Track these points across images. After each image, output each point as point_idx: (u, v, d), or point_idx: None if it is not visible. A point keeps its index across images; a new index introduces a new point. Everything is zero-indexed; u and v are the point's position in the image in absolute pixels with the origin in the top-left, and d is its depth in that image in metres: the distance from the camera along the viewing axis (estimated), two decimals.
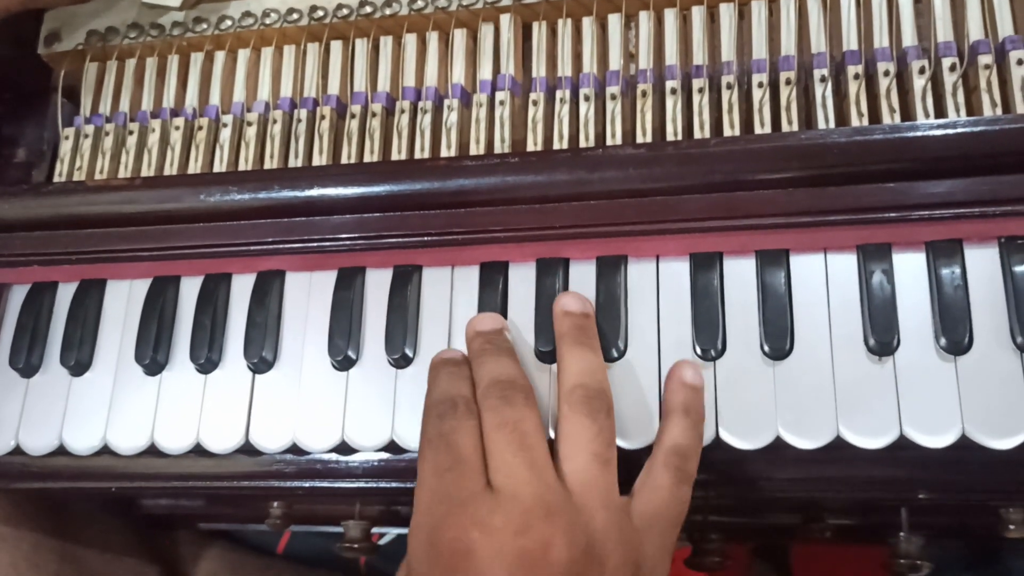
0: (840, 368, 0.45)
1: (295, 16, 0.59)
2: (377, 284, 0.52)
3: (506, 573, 0.39)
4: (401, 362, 0.50)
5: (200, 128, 0.58)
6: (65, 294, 0.57)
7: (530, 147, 0.53)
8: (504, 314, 0.50)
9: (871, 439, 0.44)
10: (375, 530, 0.71)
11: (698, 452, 0.44)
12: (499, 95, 0.55)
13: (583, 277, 0.50)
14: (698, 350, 0.47)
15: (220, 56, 0.60)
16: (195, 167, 0.58)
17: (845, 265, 0.47)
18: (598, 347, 0.47)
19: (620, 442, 0.46)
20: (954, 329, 0.44)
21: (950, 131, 0.45)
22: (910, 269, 0.46)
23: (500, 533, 0.39)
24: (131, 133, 0.59)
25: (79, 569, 0.69)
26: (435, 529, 0.41)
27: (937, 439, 0.43)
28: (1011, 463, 0.43)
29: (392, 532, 0.74)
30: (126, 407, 0.53)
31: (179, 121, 0.59)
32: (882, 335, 0.45)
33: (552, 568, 0.39)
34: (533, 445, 0.42)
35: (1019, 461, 0.43)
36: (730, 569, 0.58)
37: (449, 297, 0.51)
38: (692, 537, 0.56)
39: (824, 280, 0.47)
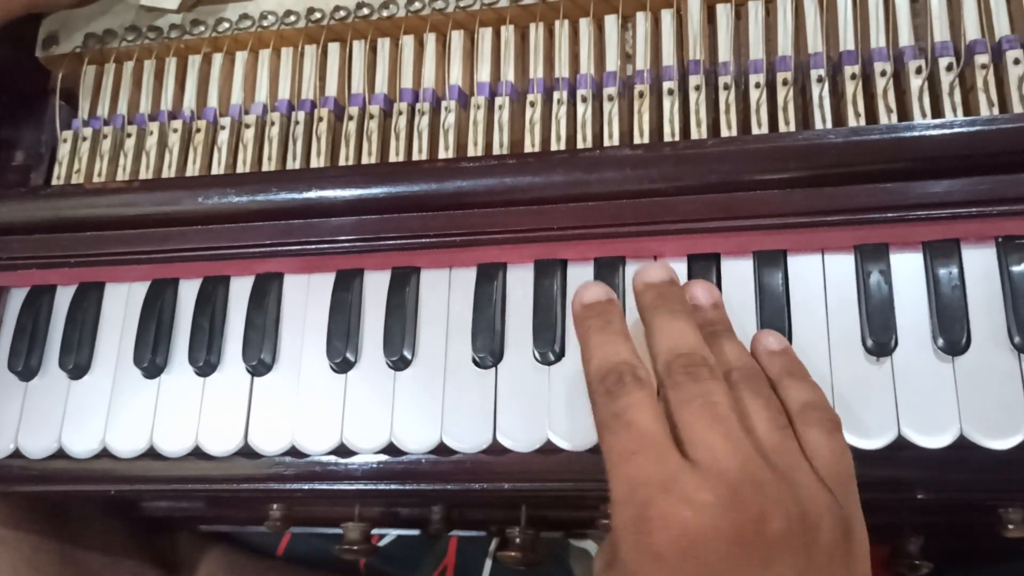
0: (838, 369, 0.45)
1: (292, 18, 0.59)
2: (375, 286, 0.52)
3: (725, 550, 0.36)
4: (399, 364, 0.50)
5: (198, 130, 0.58)
6: (64, 297, 0.57)
7: (528, 148, 0.54)
8: (502, 316, 0.50)
9: (869, 439, 0.44)
10: (375, 531, 0.71)
11: (824, 398, 0.43)
12: (498, 98, 0.55)
13: (581, 278, 0.50)
14: None
15: (218, 58, 0.60)
16: (193, 169, 0.58)
17: (843, 265, 0.47)
18: (687, 313, 0.44)
19: None
20: (951, 329, 0.44)
21: (947, 131, 0.45)
22: (907, 269, 0.46)
23: (712, 509, 0.37)
24: (129, 136, 0.59)
25: (79, 571, 0.69)
26: (641, 517, 0.38)
27: (935, 439, 0.43)
28: (1009, 463, 0.43)
29: (392, 533, 0.75)
30: (125, 410, 0.53)
31: (177, 123, 0.59)
32: (880, 335, 0.45)
33: (771, 541, 0.37)
34: (725, 416, 0.40)
35: (1017, 461, 0.43)
36: None
37: (447, 299, 0.51)
38: None
39: (822, 280, 0.47)
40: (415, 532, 0.73)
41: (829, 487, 0.39)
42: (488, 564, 0.73)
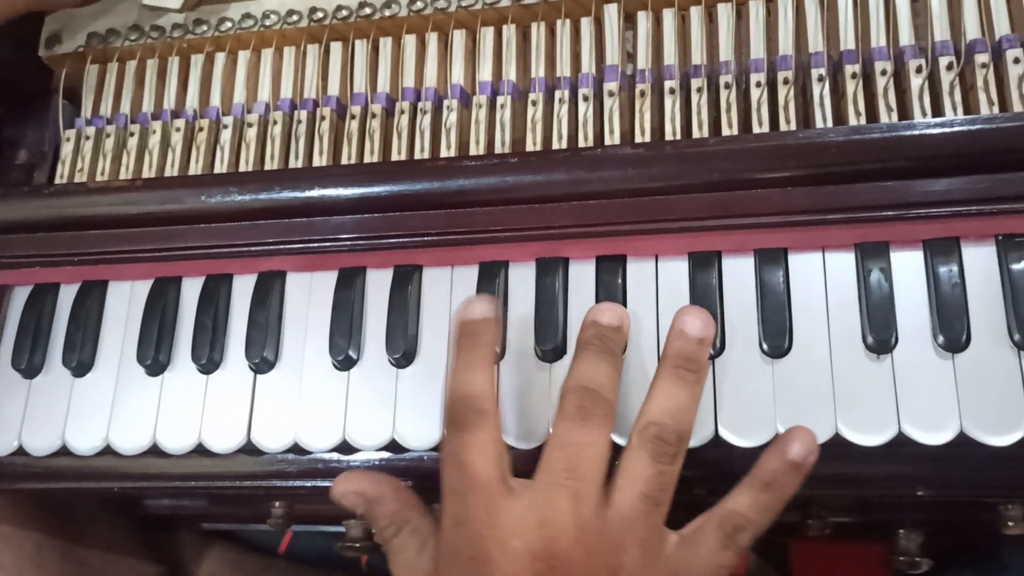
0: (838, 366, 0.46)
1: (295, 18, 0.59)
2: (377, 284, 0.53)
3: None
4: (402, 361, 0.51)
5: (201, 129, 0.59)
6: (67, 295, 0.57)
7: (529, 147, 0.54)
8: (504, 314, 0.50)
9: (870, 436, 0.44)
10: None
11: (761, 530, 0.43)
12: (499, 97, 0.55)
13: (583, 276, 0.50)
14: None
15: (220, 57, 0.61)
16: (196, 168, 0.58)
17: (843, 263, 0.47)
18: (698, 385, 0.44)
19: (616, 437, 0.46)
20: (952, 327, 0.45)
21: (947, 130, 0.45)
22: (908, 267, 0.47)
23: (519, 555, 0.40)
24: (132, 135, 0.60)
25: (82, 569, 0.69)
26: (458, 552, 0.42)
27: (935, 436, 0.43)
28: (1009, 459, 0.43)
29: None
30: (128, 407, 0.53)
31: (180, 122, 0.59)
32: (880, 333, 0.45)
33: None
34: (585, 475, 0.42)
35: (1017, 457, 0.43)
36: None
37: (449, 297, 0.51)
38: None
39: (822, 278, 0.47)
40: None
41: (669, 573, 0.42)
42: None
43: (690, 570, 0.42)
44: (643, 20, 0.55)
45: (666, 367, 0.45)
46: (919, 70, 0.50)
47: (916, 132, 0.46)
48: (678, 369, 0.44)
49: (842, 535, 0.60)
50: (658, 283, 0.49)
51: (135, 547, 0.74)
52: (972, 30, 0.50)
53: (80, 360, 0.55)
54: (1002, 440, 0.43)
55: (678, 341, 0.45)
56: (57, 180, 0.60)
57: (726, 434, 0.46)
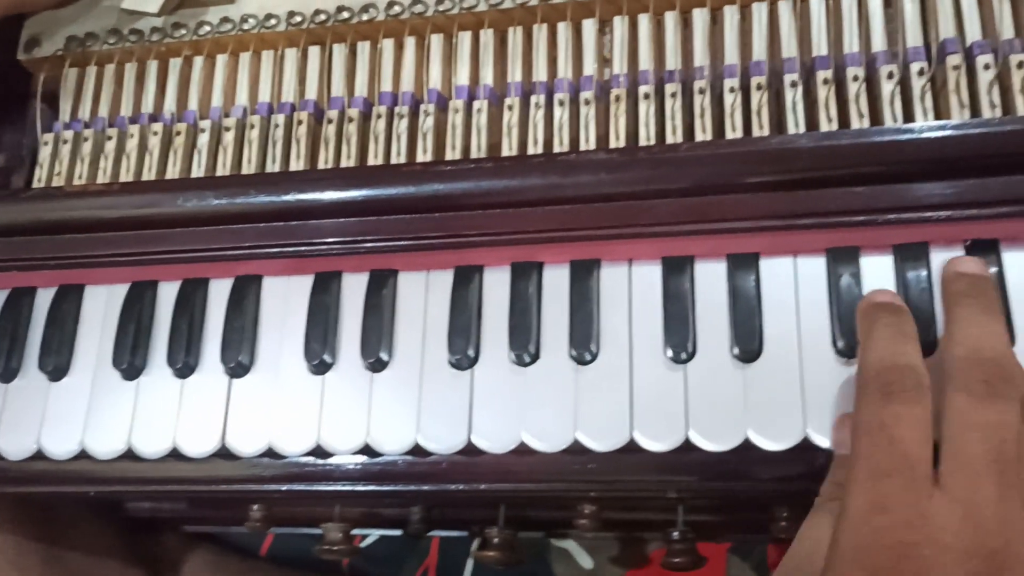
0: (808, 370, 0.46)
1: (272, 22, 0.59)
2: (353, 288, 0.53)
3: None
4: (376, 366, 0.51)
5: (178, 133, 0.59)
6: (43, 299, 0.57)
7: (505, 152, 0.54)
8: (478, 318, 0.51)
9: None
10: (358, 531, 0.72)
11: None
12: (476, 102, 0.55)
13: (557, 280, 0.51)
14: (669, 352, 0.48)
15: (199, 61, 0.61)
16: (173, 172, 0.58)
17: (814, 268, 0.48)
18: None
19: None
20: (922, 331, 0.45)
21: (916, 136, 0.46)
22: (878, 272, 0.47)
23: (952, 555, 0.35)
24: (110, 138, 0.60)
25: (64, 571, 0.69)
26: (873, 545, 0.36)
27: None
28: None
29: (375, 533, 0.75)
30: (103, 411, 0.54)
31: (157, 126, 0.59)
32: (851, 337, 0.46)
33: None
34: (1010, 460, 0.36)
35: None
36: (707, 568, 0.59)
37: (424, 301, 0.52)
38: (666, 537, 0.57)
39: (793, 283, 0.48)
40: (397, 532, 0.74)
41: None
42: (470, 564, 0.74)
43: None
44: (619, 25, 0.55)
45: (955, 299, 0.42)
46: (890, 76, 0.50)
47: (885, 138, 0.47)
48: (973, 297, 0.41)
49: None
50: (631, 287, 0.50)
51: (118, 549, 0.75)
52: (944, 36, 0.51)
53: (56, 364, 0.55)
54: None
55: (959, 280, 0.42)
56: (35, 184, 0.60)
57: (696, 438, 0.46)
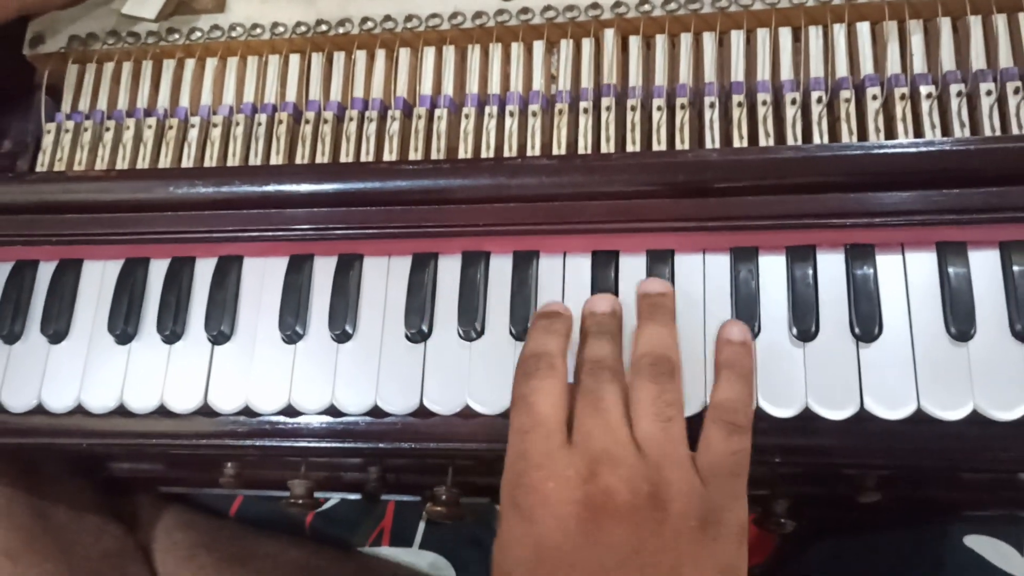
0: (711, 349, 0.54)
1: (258, 31, 0.66)
2: (323, 270, 0.60)
3: (575, 516, 0.45)
4: (342, 338, 0.58)
5: (170, 127, 0.65)
6: (46, 271, 0.63)
7: (461, 155, 0.61)
8: (432, 299, 0.58)
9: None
10: (319, 495, 0.79)
11: (747, 403, 0.50)
12: (437, 110, 0.63)
13: (501, 268, 0.58)
14: None
15: (190, 63, 0.67)
16: (165, 162, 0.64)
17: (719, 264, 0.55)
18: (670, 322, 0.53)
19: None
20: (804, 319, 0.53)
21: (807, 155, 0.54)
22: (773, 268, 0.55)
23: (571, 482, 0.45)
24: (107, 130, 0.66)
25: (47, 523, 0.75)
26: (516, 485, 0.47)
27: (784, 411, 0.52)
28: (845, 432, 0.52)
29: (335, 497, 0.82)
30: (99, 372, 0.60)
31: (151, 120, 0.65)
32: (749, 321, 0.53)
33: (615, 512, 0.45)
34: (609, 409, 0.48)
35: (851, 431, 0.52)
36: None
37: (385, 283, 0.59)
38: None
39: (702, 276, 0.55)
40: (356, 496, 0.81)
41: (703, 478, 0.47)
42: (421, 526, 0.80)
43: (715, 467, 0.47)
44: (564, 47, 0.63)
45: (640, 318, 0.53)
46: (793, 102, 0.58)
47: (783, 155, 0.55)
48: (648, 314, 0.53)
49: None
50: (565, 276, 0.57)
51: (97, 507, 0.80)
52: (841, 69, 0.59)
53: (56, 329, 0.61)
54: (837, 414, 0.51)
55: (643, 301, 0.54)
56: (38, 168, 0.65)
57: None
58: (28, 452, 0.73)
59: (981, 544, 0.70)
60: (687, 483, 0.46)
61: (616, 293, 0.56)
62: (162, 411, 0.59)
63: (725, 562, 0.46)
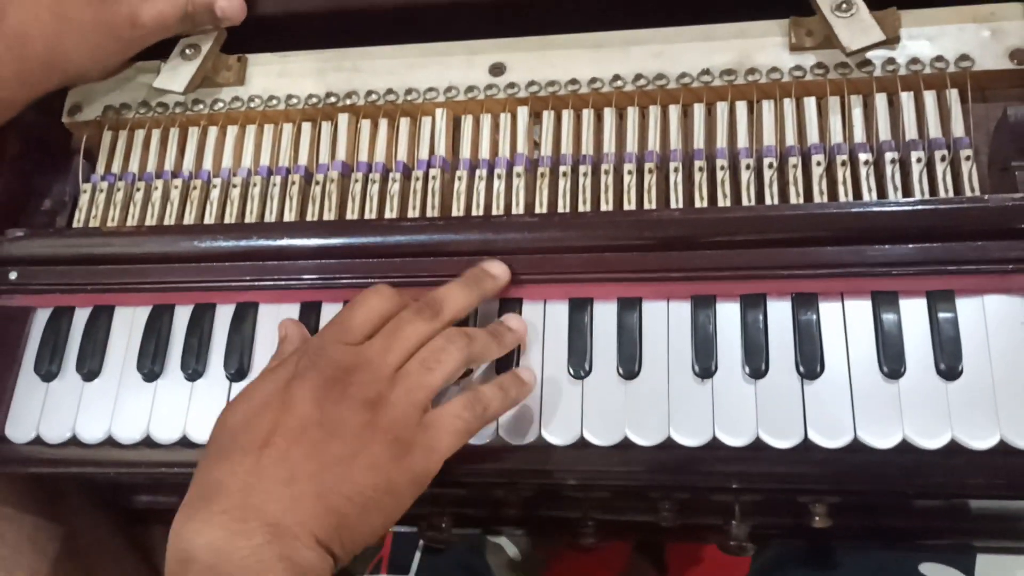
0: (674, 385, 0.60)
1: (274, 102, 0.74)
2: (330, 315, 0.65)
3: (318, 391, 0.53)
4: None
5: (194, 188, 0.72)
6: (81, 317, 0.70)
7: (454, 213, 0.68)
8: None
9: (693, 439, 0.59)
10: None
11: (456, 300, 0.59)
12: (432, 171, 0.70)
13: (488, 314, 0.65)
14: (571, 370, 0.62)
15: (213, 131, 0.75)
16: (189, 219, 0.71)
17: (682, 310, 0.62)
18: (477, 292, 0.60)
19: None
20: (755, 359, 0.60)
21: (758, 214, 0.61)
22: (728, 314, 0.62)
23: (337, 366, 0.55)
24: (138, 190, 0.73)
25: (70, 549, 0.80)
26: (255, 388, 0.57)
27: (739, 440, 0.58)
28: (793, 460, 0.58)
29: None
30: (128, 406, 0.66)
31: (177, 182, 0.72)
32: (704, 363, 0.60)
33: (344, 397, 0.53)
34: (405, 338, 0.57)
35: (795, 460, 0.58)
36: (611, 565, 0.72)
37: None
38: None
39: (666, 321, 0.62)
40: None
41: (422, 422, 0.55)
42: (417, 556, 0.86)
43: (434, 423, 0.55)
44: (547, 117, 0.71)
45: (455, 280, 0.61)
46: (748, 167, 0.66)
47: (738, 215, 0.62)
48: (464, 279, 0.61)
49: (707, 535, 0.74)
50: (545, 321, 0.64)
51: (117, 536, 0.86)
52: (790, 139, 0.66)
53: (90, 368, 0.68)
54: (783, 443, 0.58)
55: (468, 268, 0.62)
56: (75, 225, 0.72)
57: (588, 436, 0.60)
58: (58, 481, 0.79)
59: (936, 571, 0.75)
60: (404, 412, 0.54)
61: (590, 336, 0.63)
62: (184, 442, 0.65)
63: (391, 475, 0.53)
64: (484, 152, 0.71)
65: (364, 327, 0.57)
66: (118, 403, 0.67)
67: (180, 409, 0.66)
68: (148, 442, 0.66)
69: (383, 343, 0.56)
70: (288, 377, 0.55)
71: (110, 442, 0.66)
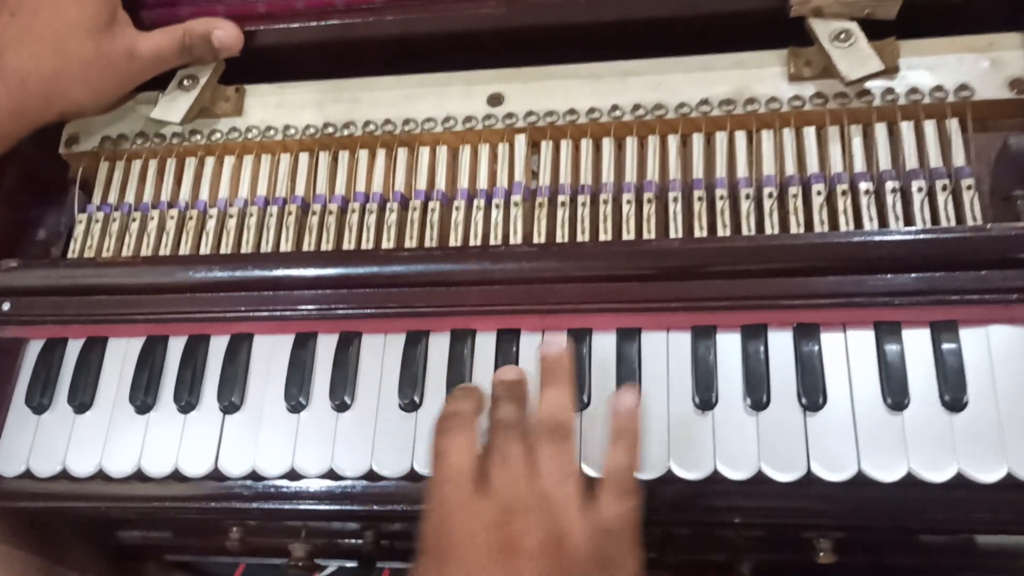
0: (674, 417, 0.59)
1: (272, 132, 0.74)
2: (325, 346, 0.66)
3: (491, 556, 0.49)
4: (341, 408, 0.64)
5: (190, 218, 0.72)
6: (74, 348, 0.69)
7: (452, 242, 0.68)
8: (424, 372, 0.64)
9: (694, 472, 0.58)
10: (319, 561, 0.83)
11: (630, 468, 0.54)
12: (431, 203, 0.70)
13: (486, 344, 0.64)
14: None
15: (210, 161, 0.74)
16: (185, 249, 0.71)
17: (682, 341, 0.62)
18: (566, 384, 0.56)
19: None
20: (756, 390, 0.59)
21: (758, 243, 0.61)
22: (729, 345, 0.61)
23: (488, 526, 0.50)
24: (134, 220, 0.72)
25: None
26: (436, 530, 0.52)
27: (740, 473, 0.57)
28: (792, 495, 0.57)
29: (333, 565, 0.86)
30: (119, 439, 0.65)
31: (173, 212, 0.72)
32: (704, 394, 0.59)
33: (526, 552, 0.49)
34: (515, 464, 0.52)
35: (797, 494, 0.57)
36: None
37: (381, 358, 0.65)
38: None
39: (666, 352, 0.62)
40: (353, 564, 0.85)
41: (600, 530, 0.51)
42: None
43: (610, 524, 0.52)
44: (544, 148, 0.70)
45: (541, 383, 0.56)
46: (747, 196, 0.65)
47: (737, 244, 0.61)
48: (545, 380, 0.56)
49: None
50: None
51: (107, 573, 0.85)
52: (790, 169, 0.66)
53: (82, 400, 0.67)
54: (786, 476, 0.57)
55: (542, 364, 0.57)
56: (70, 255, 0.72)
57: (589, 470, 0.59)
58: (47, 517, 0.77)
59: None
60: (585, 531, 0.52)
61: (588, 367, 0.62)
62: (176, 476, 0.64)
63: None
64: (482, 182, 0.70)
65: (468, 467, 0.53)
66: (109, 436, 0.66)
67: (172, 442, 0.65)
68: (139, 475, 0.65)
69: (506, 476, 0.53)
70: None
71: (101, 476, 0.65)
